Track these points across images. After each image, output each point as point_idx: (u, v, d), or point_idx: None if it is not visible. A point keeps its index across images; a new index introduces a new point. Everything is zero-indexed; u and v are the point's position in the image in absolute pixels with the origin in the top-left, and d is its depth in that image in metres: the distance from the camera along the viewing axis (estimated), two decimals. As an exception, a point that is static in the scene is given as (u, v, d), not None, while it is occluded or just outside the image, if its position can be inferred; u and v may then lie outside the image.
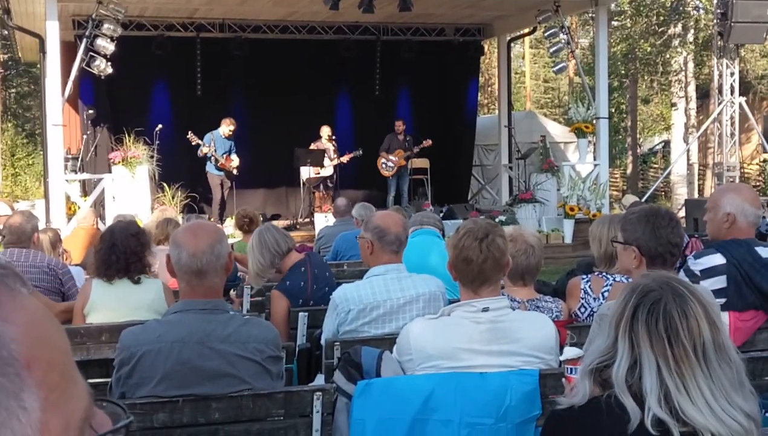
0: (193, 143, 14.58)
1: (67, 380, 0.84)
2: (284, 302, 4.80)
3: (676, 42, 24.60)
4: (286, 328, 4.70)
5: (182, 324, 3.03)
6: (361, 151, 15.80)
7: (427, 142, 16.11)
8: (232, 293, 6.05)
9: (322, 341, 4.08)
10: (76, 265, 7.07)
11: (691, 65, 25.67)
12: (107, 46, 13.14)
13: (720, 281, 3.89)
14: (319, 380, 4.01)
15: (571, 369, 2.70)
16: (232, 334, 3.04)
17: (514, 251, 3.94)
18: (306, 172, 15.47)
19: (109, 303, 4.73)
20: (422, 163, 17.06)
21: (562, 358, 2.81)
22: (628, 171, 31.44)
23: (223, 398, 2.99)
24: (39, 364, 0.81)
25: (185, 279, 3.05)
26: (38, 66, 18.15)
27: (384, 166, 16.07)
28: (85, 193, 14.36)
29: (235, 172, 15.06)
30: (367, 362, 3.17)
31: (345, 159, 15.77)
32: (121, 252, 4.73)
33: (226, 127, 14.83)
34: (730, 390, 1.87)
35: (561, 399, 2.15)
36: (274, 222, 15.52)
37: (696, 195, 23.99)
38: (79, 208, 12.73)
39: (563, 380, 2.77)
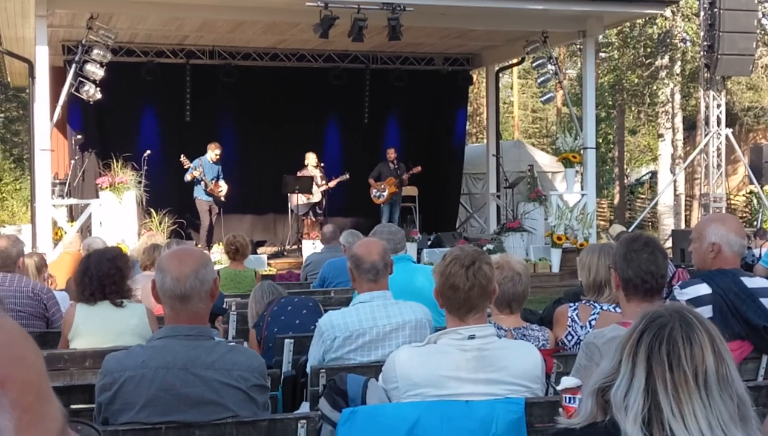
0: (185, 166, 14.55)
1: (41, 400, 0.83)
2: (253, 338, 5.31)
3: (663, 74, 24.79)
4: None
5: (166, 350, 3.00)
6: (348, 175, 15.82)
7: (417, 169, 16.15)
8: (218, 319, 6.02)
9: (308, 369, 4.06)
10: (62, 290, 7.02)
11: (678, 97, 25.86)
12: (96, 71, 13.14)
13: (706, 311, 3.89)
14: (305, 407, 3.98)
15: (569, 398, 2.67)
16: (217, 361, 3.01)
17: (500, 278, 3.92)
18: (294, 198, 15.46)
19: (92, 328, 4.70)
20: (411, 191, 17.06)
21: (559, 387, 2.77)
22: (616, 201, 31.56)
23: (207, 426, 2.96)
24: (14, 384, 0.80)
25: (169, 304, 3.03)
26: (27, 91, 18.14)
27: (376, 195, 16.07)
28: (72, 218, 14.30)
29: (222, 198, 15.03)
30: (352, 389, 3.15)
31: (333, 184, 15.79)
32: (93, 275, 4.73)
33: (212, 152, 14.82)
34: (729, 423, 1.83)
35: (561, 419, 2.13)
36: (260, 249, 15.53)
37: (683, 226, 24.05)
38: (65, 233, 12.67)
39: (560, 409, 2.73)
